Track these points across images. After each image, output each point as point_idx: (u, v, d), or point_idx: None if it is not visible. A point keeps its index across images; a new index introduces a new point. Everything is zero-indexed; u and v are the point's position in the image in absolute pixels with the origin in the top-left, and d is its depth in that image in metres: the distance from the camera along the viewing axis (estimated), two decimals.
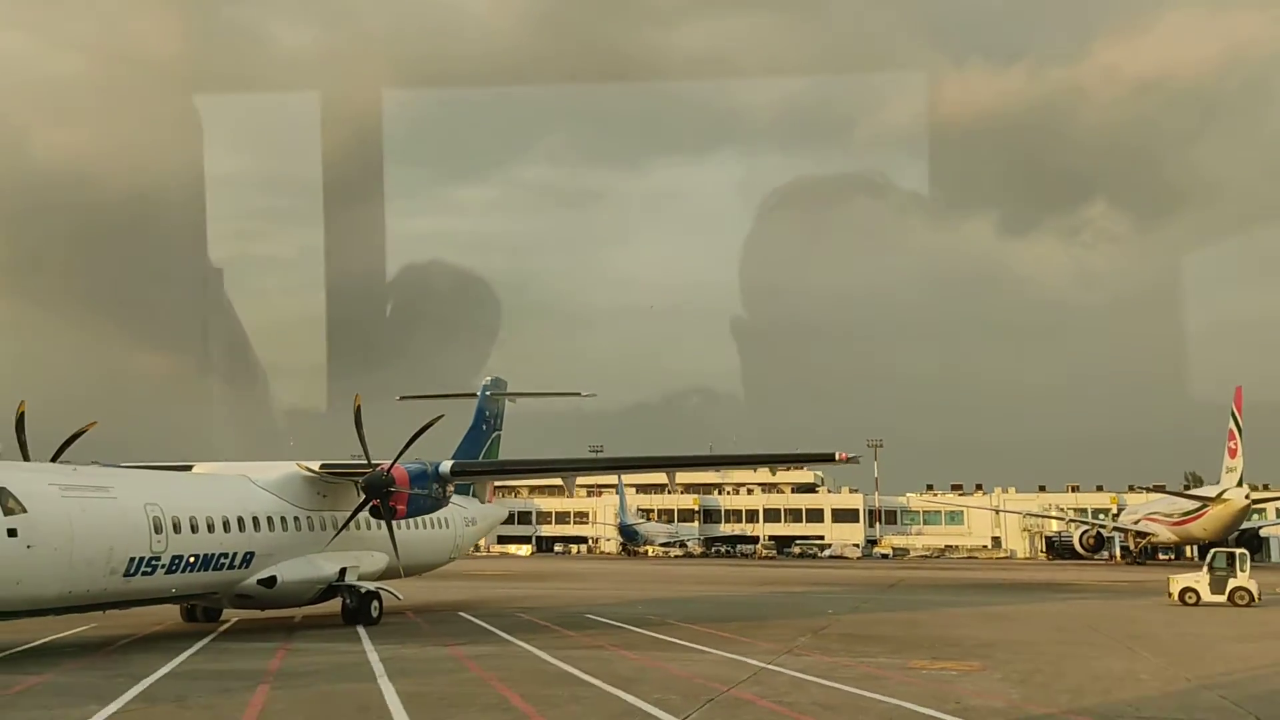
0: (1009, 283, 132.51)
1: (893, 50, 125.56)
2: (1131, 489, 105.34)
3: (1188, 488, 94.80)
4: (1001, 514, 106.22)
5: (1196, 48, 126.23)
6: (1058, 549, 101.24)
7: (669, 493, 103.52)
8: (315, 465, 30.71)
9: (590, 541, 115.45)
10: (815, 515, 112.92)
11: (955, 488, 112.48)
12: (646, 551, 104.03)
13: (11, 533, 22.03)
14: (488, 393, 42.08)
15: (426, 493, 29.99)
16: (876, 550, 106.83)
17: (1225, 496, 78.82)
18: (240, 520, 28.17)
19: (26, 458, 29.14)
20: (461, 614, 34.43)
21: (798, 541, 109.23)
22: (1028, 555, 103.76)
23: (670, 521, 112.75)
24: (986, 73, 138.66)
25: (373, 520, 31.70)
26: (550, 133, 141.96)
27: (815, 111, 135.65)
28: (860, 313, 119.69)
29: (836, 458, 29.47)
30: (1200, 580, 39.16)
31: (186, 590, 27.29)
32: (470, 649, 24.58)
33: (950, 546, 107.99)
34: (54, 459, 28.79)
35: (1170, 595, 39.62)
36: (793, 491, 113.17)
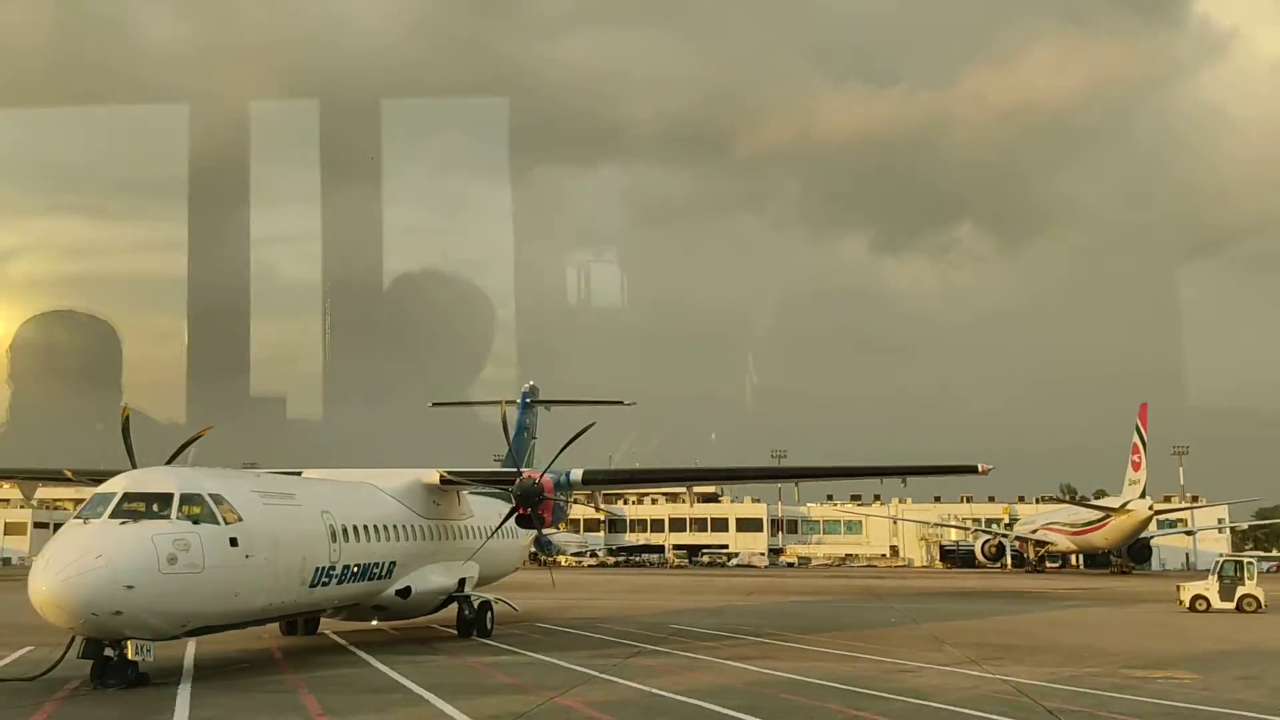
0: (883, 298, 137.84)
1: (775, 70, 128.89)
2: (1021, 500, 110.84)
3: (1073, 500, 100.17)
4: (899, 523, 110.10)
5: (1058, 79, 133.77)
6: (955, 558, 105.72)
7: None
8: (435, 473, 29.87)
9: None
10: (720, 525, 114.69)
11: (854, 498, 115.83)
12: (559, 561, 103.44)
13: (233, 542, 20.84)
14: (528, 400, 41.56)
15: (565, 500, 29.64)
16: (782, 559, 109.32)
17: (1129, 507, 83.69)
18: (382, 529, 27.21)
19: (134, 463, 27.53)
20: (540, 624, 33.73)
21: (705, 550, 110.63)
22: (924, 564, 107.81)
23: (577, 531, 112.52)
24: (863, 96, 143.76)
25: (462, 527, 31.33)
26: (431, 141, 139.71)
27: (698, 127, 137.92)
28: (740, 324, 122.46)
29: (980, 470, 30.25)
30: (1210, 588, 41.74)
31: (345, 601, 26.17)
32: (693, 663, 24.23)
33: (850, 555, 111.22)
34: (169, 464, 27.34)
35: (1181, 602, 42.08)
36: (697, 501, 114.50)
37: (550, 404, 42.37)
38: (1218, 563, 43.54)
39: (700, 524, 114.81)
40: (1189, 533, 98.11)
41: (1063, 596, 54.72)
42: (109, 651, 19.55)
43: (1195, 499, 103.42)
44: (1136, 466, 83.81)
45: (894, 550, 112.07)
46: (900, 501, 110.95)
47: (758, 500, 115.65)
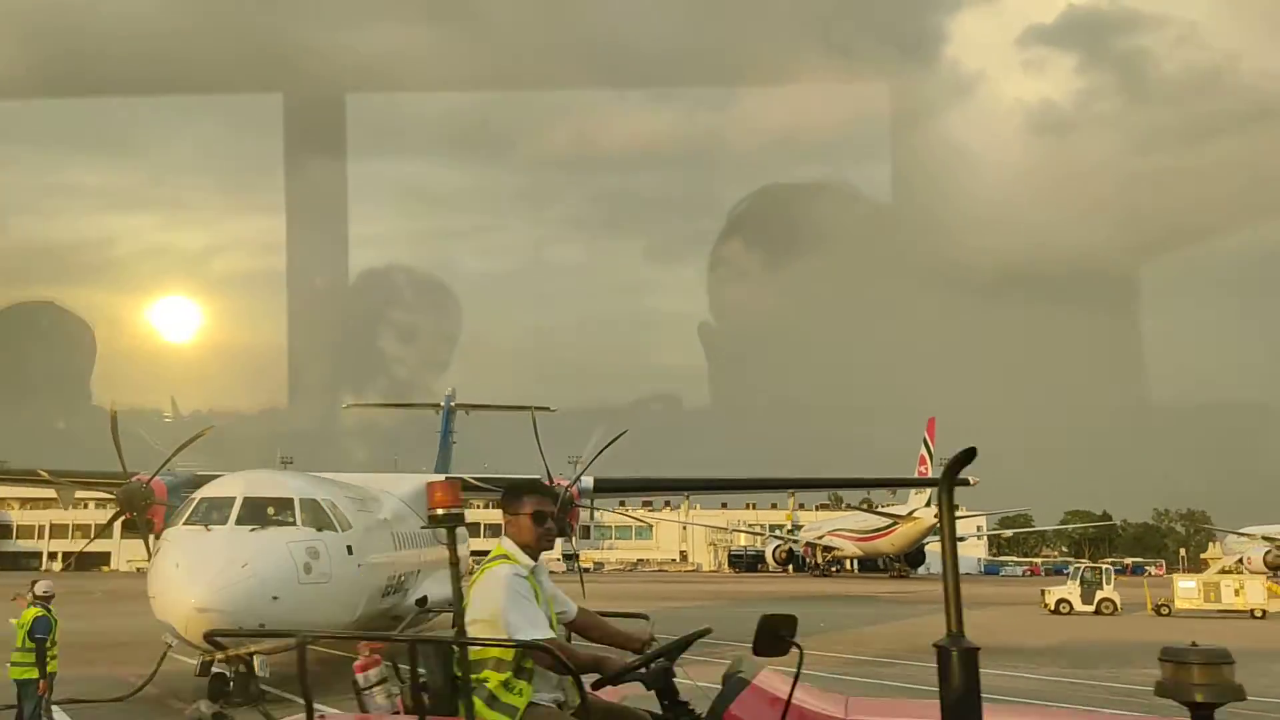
0: (656, 309, 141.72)
1: (558, 75, 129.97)
2: (802, 507, 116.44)
3: (870, 508, 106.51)
4: (689, 529, 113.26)
5: (824, 108, 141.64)
6: (743, 563, 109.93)
7: None
8: (441, 478, 28.90)
9: None
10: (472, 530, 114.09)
11: (645, 504, 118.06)
12: None
13: (350, 550, 19.77)
14: (451, 404, 40.68)
15: (584, 508, 29.36)
16: (579, 564, 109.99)
17: (915, 515, 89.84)
18: (405, 536, 26.24)
19: (123, 463, 25.46)
20: None
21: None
22: (713, 568, 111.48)
23: None
24: (644, 107, 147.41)
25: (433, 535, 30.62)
26: (205, 134, 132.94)
27: (479, 128, 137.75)
28: (506, 330, 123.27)
29: (971, 482, 32.11)
30: (1073, 592, 45.82)
31: (391, 612, 25.03)
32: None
33: (641, 560, 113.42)
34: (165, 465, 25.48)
35: (1046, 605, 45.95)
36: (485, 506, 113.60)
37: (470, 408, 41.62)
38: (1079, 569, 47.81)
39: (493, 529, 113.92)
40: (961, 539, 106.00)
41: (902, 600, 58.34)
42: (221, 668, 18.14)
43: (956, 508, 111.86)
44: (923, 476, 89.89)
45: (683, 555, 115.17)
46: (690, 508, 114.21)
47: None
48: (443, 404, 40.38)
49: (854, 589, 70.78)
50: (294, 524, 18.70)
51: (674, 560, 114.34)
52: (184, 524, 18.65)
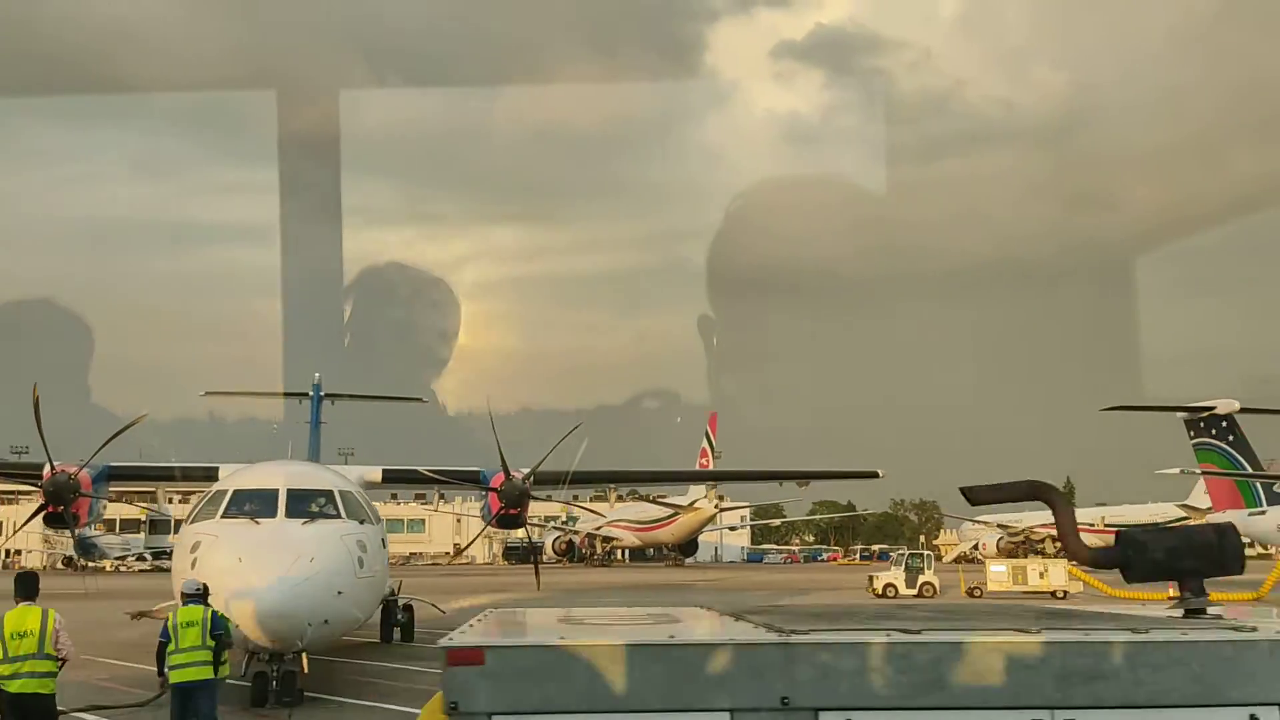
0: (404, 298, 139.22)
1: (316, 56, 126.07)
2: (575, 499, 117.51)
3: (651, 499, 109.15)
4: (463, 521, 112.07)
5: (587, 105, 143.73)
6: (518, 554, 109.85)
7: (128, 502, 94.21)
8: (377, 470, 27.95)
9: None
10: None
11: (419, 497, 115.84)
12: (104, 566, 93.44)
13: (383, 543, 19.06)
14: (321, 393, 39.04)
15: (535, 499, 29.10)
16: None
17: (696, 506, 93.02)
18: None
19: (47, 449, 23.37)
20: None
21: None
22: (486, 561, 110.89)
23: (114, 531, 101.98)
24: (404, 95, 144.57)
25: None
26: None
27: (232, 101, 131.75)
28: (251, 318, 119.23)
29: (879, 475, 33.65)
30: (898, 577, 48.98)
31: None
32: None
33: (415, 554, 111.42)
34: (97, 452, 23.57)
35: (874, 590, 48.90)
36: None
37: (335, 398, 40.01)
38: (904, 556, 51.09)
39: (416, 525, 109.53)
40: (732, 528, 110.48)
41: (708, 588, 60.54)
42: (262, 668, 17.15)
43: (722, 498, 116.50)
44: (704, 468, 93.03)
45: (457, 548, 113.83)
46: (463, 500, 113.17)
47: None
48: (311, 392, 38.59)
49: (654, 578, 72.68)
50: (340, 516, 17.88)
51: (447, 553, 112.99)
52: (222, 517, 17.45)
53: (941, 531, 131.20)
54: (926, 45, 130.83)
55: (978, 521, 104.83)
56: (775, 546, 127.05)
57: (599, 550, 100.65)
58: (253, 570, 15.99)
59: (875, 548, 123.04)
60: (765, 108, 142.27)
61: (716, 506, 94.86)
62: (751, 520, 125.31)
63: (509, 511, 28.09)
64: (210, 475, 27.73)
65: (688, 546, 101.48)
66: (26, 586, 11.22)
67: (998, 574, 48.91)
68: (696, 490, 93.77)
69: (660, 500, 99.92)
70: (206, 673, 12.63)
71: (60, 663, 10.93)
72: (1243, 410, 48.83)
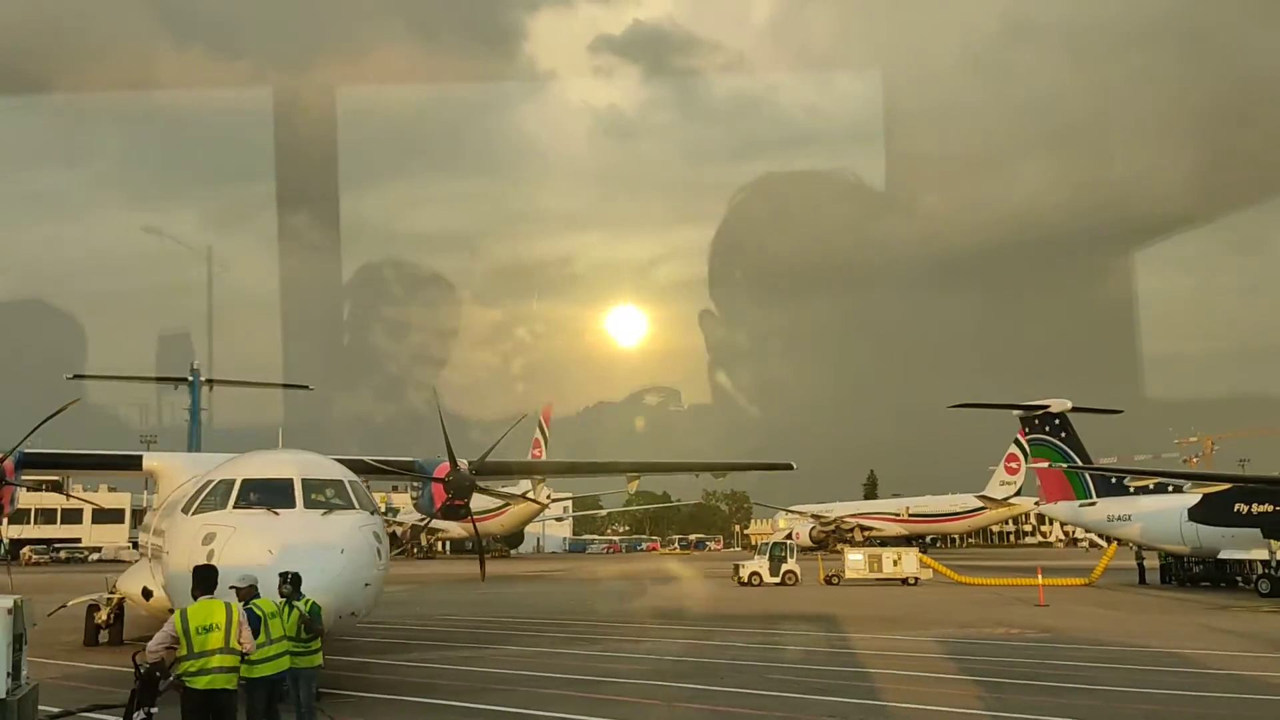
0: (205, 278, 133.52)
1: (107, 14, 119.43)
2: (395, 490, 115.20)
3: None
4: None
5: (403, 85, 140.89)
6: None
7: None
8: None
9: None
10: (72, 516, 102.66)
11: None
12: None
13: (388, 535, 18.48)
14: (201, 379, 37.15)
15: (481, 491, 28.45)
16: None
17: (529, 496, 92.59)
18: None
19: None
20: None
21: (59, 545, 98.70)
22: None
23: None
24: (208, 63, 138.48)
25: None
26: None
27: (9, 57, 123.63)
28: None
29: (793, 467, 34.28)
30: (763, 566, 50.36)
31: None
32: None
33: None
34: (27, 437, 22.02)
35: (740, 579, 50.10)
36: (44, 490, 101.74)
37: (219, 384, 38.14)
38: (768, 546, 52.43)
39: (48, 515, 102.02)
40: (558, 519, 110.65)
41: (561, 578, 60.74)
42: None
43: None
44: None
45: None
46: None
47: (114, 489, 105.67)
48: (190, 378, 36.65)
49: (492, 569, 72.09)
50: (354, 507, 17.28)
51: None
52: (234, 508, 16.59)
53: (752, 521, 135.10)
54: (739, 48, 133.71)
55: (791, 511, 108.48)
56: (596, 537, 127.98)
57: (422, 543, 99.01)
58: (287, 564, 15.29)
59: (693, 537, 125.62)
60: (582, 100, 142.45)
61: (548, 498, 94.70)
62: (574, 512, 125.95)
63: (455, 503, 27.57)
64: (131, 463, 26.20)
65: (514, 538, 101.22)
66: (206, 580, 10.62)
67: (855, 562, 51.01)
68: (525, 482, 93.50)
69: (494, 491, 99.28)
70: (302, 661, 12.37)
71: (241, 657, 10.37)
72: (1074, 409, 52.50)
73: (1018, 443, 71.83)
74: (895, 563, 50.58)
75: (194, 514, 17.15)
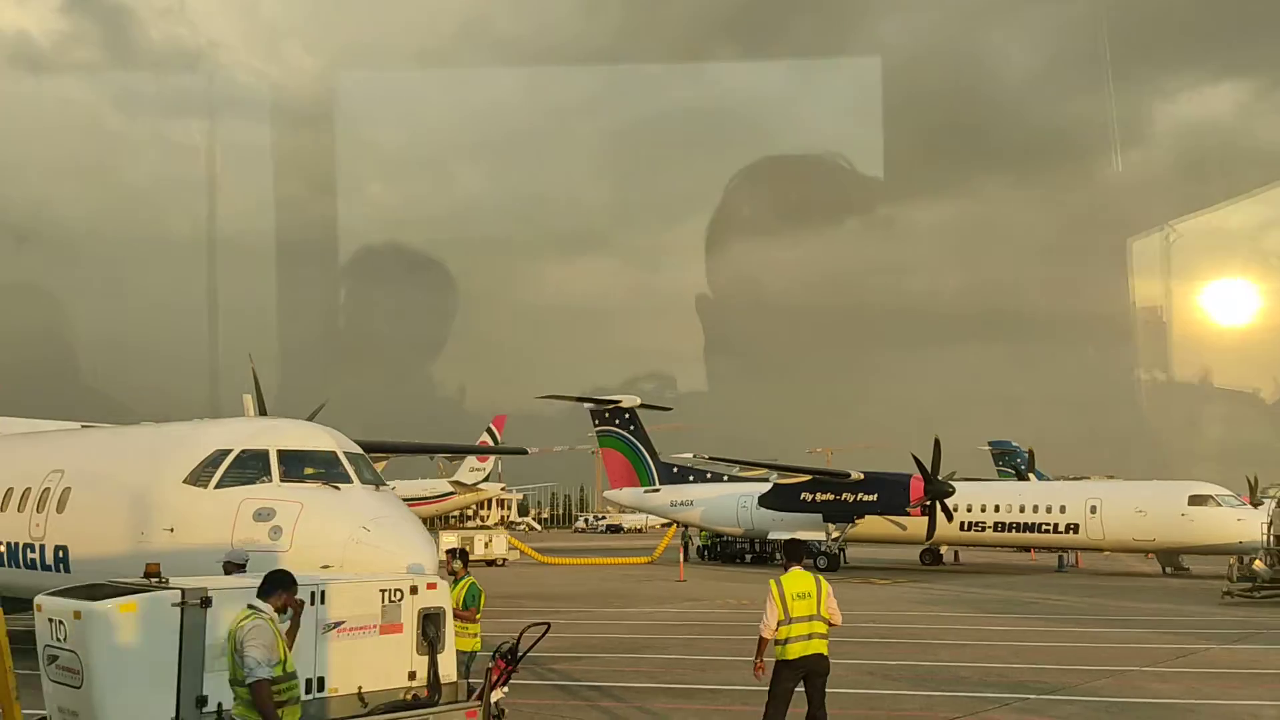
0: None
1: None
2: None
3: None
4: None
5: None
6: None
7: None
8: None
9: None
10: None
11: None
12: None
13: None
14: None
15: None
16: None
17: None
18: None
19: None
20: None
21: None
22: None
23: None
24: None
25: None
26: None
27: None
28: None
29: (528, 451, 34.18)
30: None
31: None
32: None
33: None
34: None
35: None
36: None
37: None
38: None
39: None
40: None
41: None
42: None
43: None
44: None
45: None
46: None
47: None
48: None
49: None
50: (384, 483, 16.46)
51: None
52: (282, 481, 15.17)
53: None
54: None
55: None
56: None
57: None
58: (389, 543, 14.51)
59: None
60: None
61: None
62: None
63: None
64: None
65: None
66: (797, 551, 11.28)
67: (448, 544, 52.28)
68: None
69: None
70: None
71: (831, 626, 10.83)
72: (642, 405, 57.99)
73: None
74: (487, 545, 52.71)
75: (217, 486, 15.21)
